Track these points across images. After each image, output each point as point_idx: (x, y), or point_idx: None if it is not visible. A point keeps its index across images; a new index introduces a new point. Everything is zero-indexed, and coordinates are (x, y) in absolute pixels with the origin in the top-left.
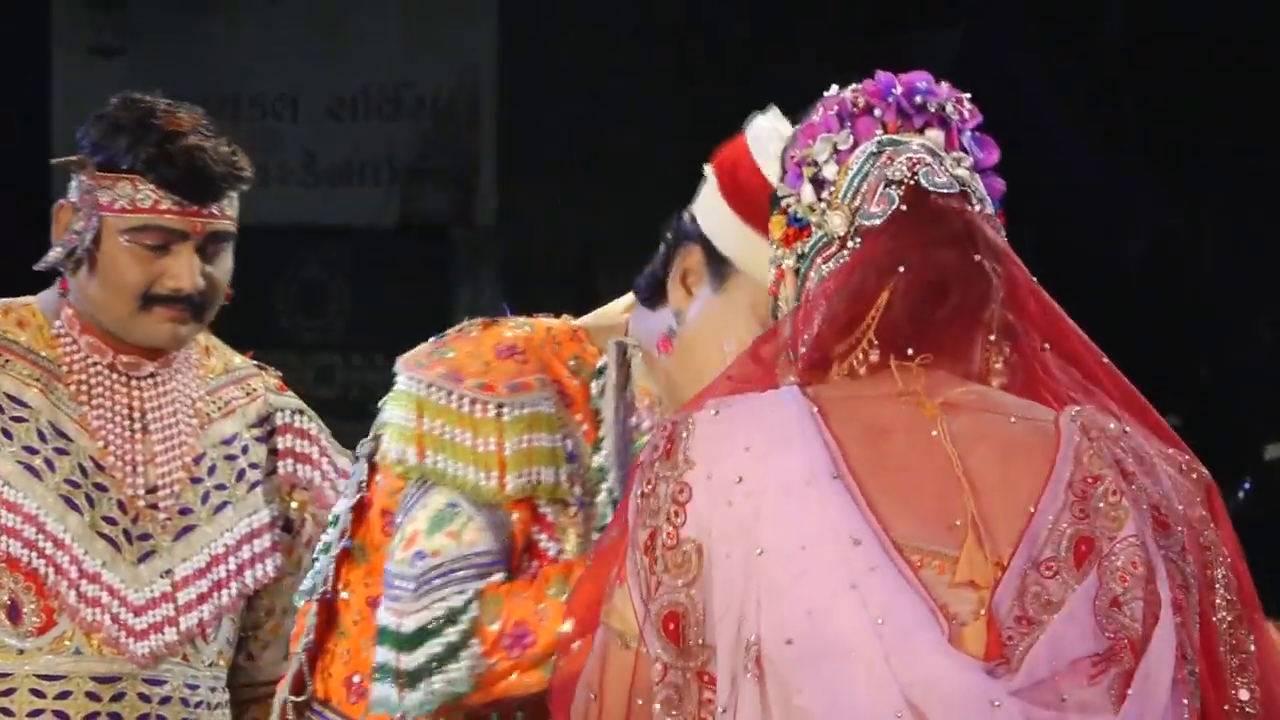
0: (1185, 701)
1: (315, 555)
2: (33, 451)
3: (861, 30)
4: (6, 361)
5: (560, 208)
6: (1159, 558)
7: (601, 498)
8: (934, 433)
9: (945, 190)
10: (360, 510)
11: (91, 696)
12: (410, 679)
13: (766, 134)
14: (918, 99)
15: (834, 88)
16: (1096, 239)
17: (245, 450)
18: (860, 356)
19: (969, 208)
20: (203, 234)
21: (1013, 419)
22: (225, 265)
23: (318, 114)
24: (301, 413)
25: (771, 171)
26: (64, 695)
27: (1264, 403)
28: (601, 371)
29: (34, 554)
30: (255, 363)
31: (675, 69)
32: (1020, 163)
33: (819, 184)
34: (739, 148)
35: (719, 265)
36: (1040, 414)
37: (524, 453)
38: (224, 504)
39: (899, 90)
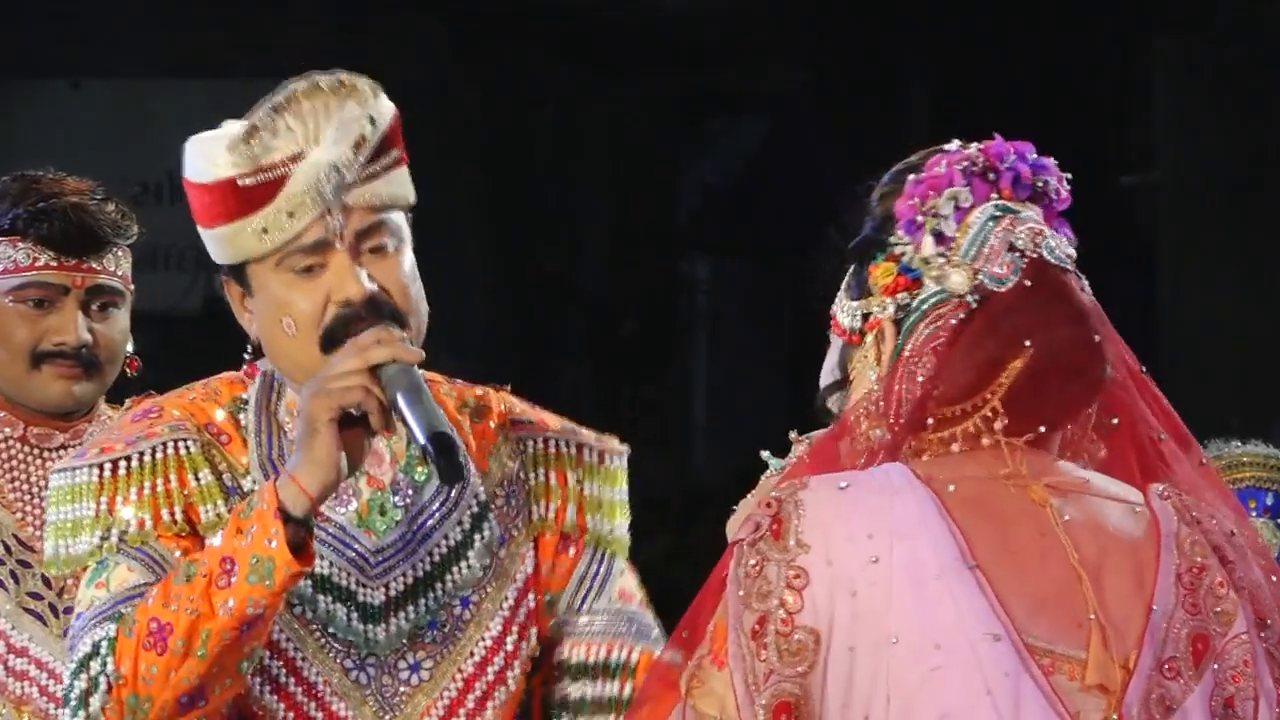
0: None
1: None
2: None
3: (674, 118)
4: None
5: None
6: (1262, 651)
7: None
8: (1047, 519)
9: (1064, 266)
10: None
11: None
12: None
13: (190, 145)
14: (1028, 175)
15: (955, 142)
16: None
17: None
18: (979, 424)
19: (1084, 286)
20: (83, 287)
21: (1111, 502)
22: (118, 325)
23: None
24: None
25: (188, 171)
26: None
27: None
28: (247, 402)
29: None
30: None
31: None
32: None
33: (940, 238)
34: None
35: (239, 275)
36: (1130, 495)
37: (155, 495)
38: None
39: (1013, 158)
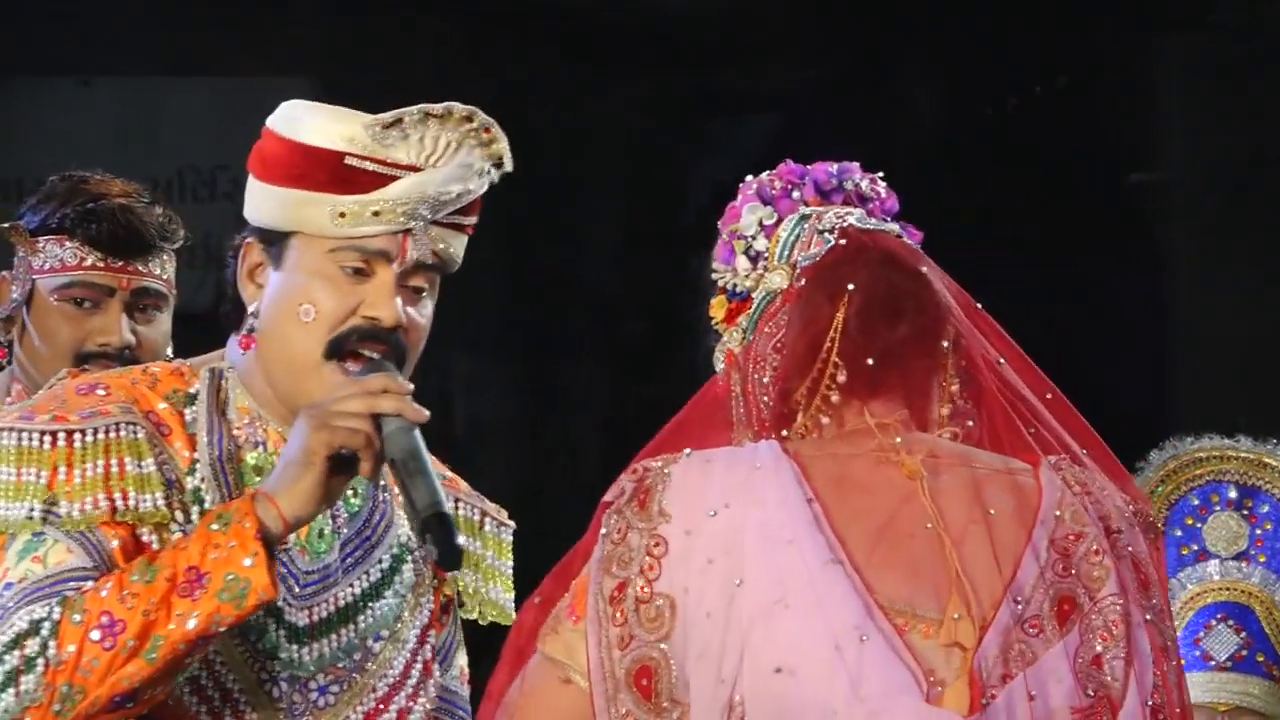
0: None
1: None
2: None
3: (681, 117)
4: None
5: None
6: (1140, 615)
7: (196, 519)
8: (915, 489)
9: (877, 228)
10: None
11: None
12: None
13: (284, 108)
14: (833, 180)
15: (749, 177)
16: None
17: None
18: (829, 386)
19: (903, 236)
20: (129, 289)
21: (990, 473)
22: (160, 327)
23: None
24: None
25: (285, 128)
26: None
27: None
28: (194, 398)
29: None
30: None
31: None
32: None
33: (753, 257)
34: (263, 133)
35: (274, 242)
36: (1017, 467)
37: (106, 477)
38: None
39: (812, 172)
